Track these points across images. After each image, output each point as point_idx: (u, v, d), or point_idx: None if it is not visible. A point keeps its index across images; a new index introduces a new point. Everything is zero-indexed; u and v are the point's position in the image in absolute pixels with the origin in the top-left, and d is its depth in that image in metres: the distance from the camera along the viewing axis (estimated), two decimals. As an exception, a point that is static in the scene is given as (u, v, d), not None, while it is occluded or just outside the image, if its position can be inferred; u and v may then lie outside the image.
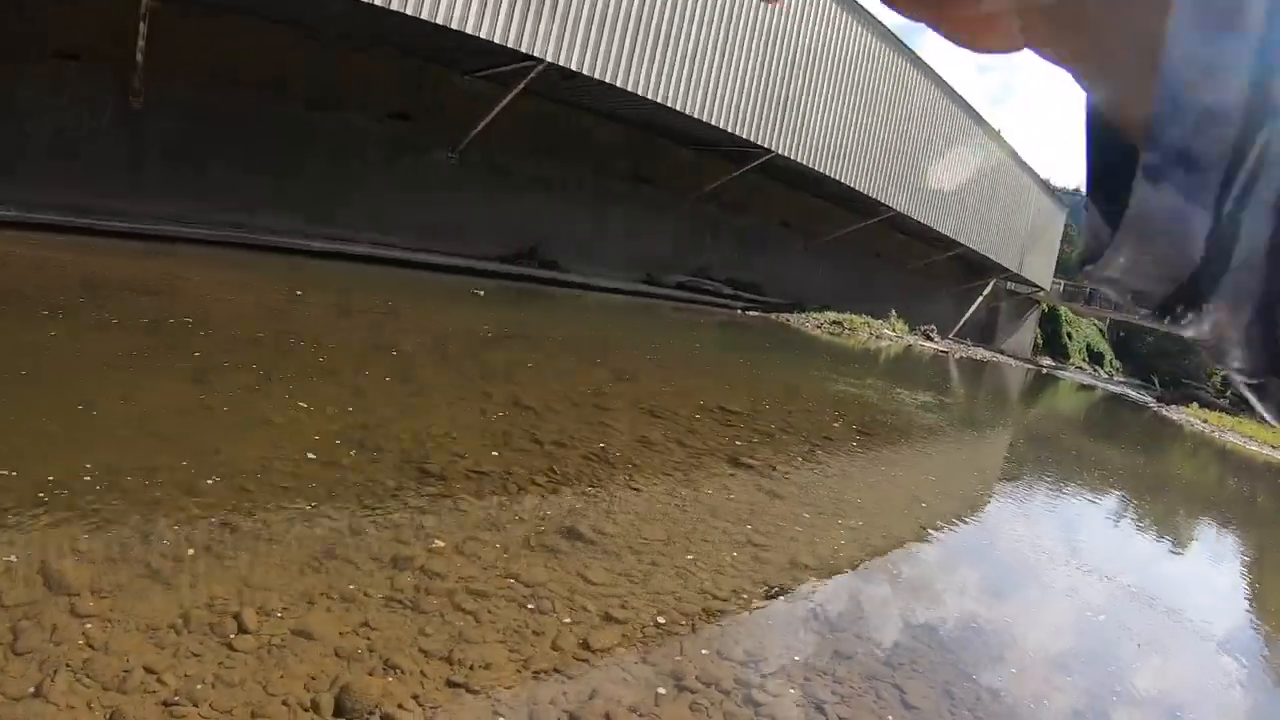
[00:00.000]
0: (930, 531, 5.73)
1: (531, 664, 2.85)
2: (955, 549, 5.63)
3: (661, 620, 3.37)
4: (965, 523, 6.38)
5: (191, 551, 3.19)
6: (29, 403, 4.37)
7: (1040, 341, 44.05)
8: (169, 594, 2.86)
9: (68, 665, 2.41)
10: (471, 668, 2.75)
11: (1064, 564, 5.87)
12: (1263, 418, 0.39)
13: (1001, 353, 34.79)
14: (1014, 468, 10.07)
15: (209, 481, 3.81)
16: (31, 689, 2.29)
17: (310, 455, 4.41)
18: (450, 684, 2.65)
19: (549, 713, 2.60)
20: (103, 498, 3.45)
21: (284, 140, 14.70)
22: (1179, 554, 7.76)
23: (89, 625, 2.61)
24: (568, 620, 3.20)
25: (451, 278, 14.54)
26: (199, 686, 2.42)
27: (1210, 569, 7.49)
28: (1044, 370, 34.17)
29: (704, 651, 3.21)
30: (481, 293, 13.25)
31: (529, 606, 3.25)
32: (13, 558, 2.87)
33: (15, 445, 3.78)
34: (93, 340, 5.90)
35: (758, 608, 3.73)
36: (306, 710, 2.41)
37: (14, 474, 3.47)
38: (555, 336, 10.72)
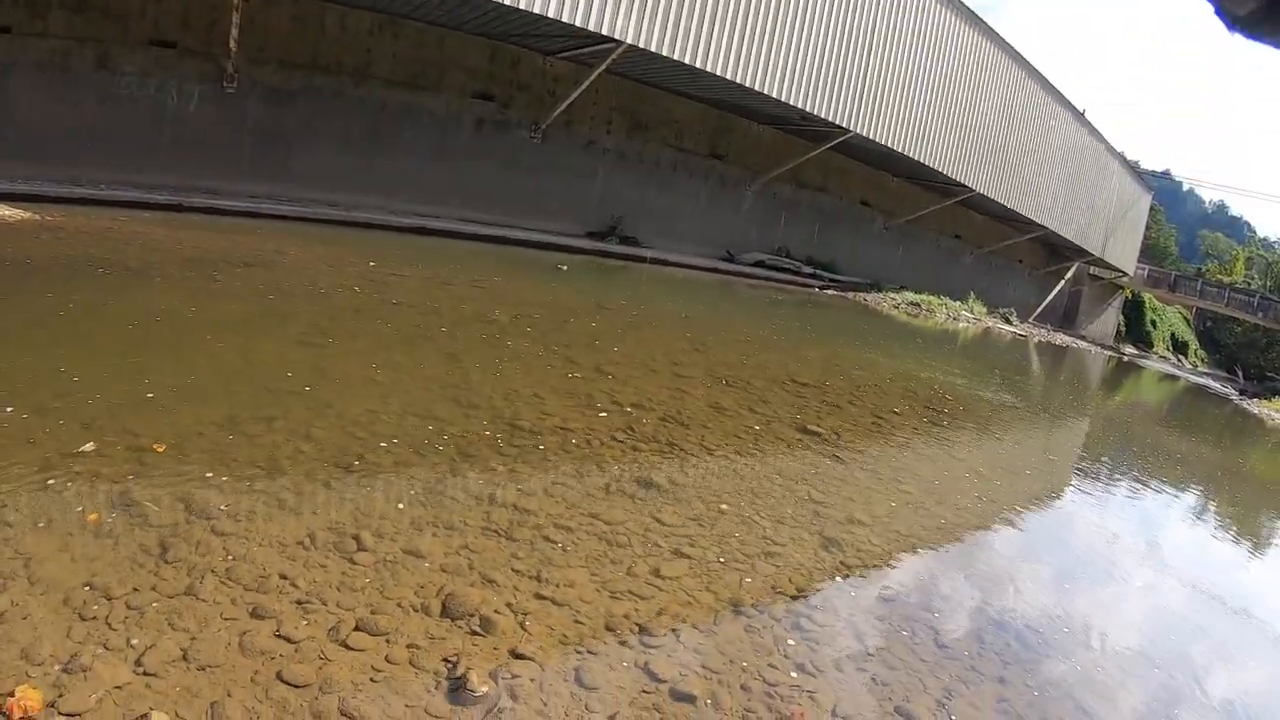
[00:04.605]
0: (983, 501, 5.93)
1: (609, 585, 3.23)
2: (1007, 518, 5.79)
3: (724, 558, 3.71)
4: (1021, 497, 6.52)
5: (311, 486, 3.64)
6: (154, 364, 4.91)
7: (1123, 328, 42.82)
8: (295, 519, 3.31)
9: (212, 571, 2.86)
10: (557, 585, 3.15)
11: (1119, 547, 5.97)
12: None
13: (1082, 338, 34.00)
14: (1081, 452, 10.06)
15: (322, 430, 4.27)
16: (184, 589, 2.73)
17: (411, 410, 4.85)
18: (538, 596, 3.05)
19: (623, 624, 2.97)
20: (228, 441, 3.93)
21: (370, 121, 15.29)
22: (1246, 553, 7.72)
23: (228, 542, 3.06)
24: (641, 552, 3.57)
25: (536, 252, 14.99)
26: (326, 590, 2.85)
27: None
28: (1125, 358, 33.31)
29: (760, 585, 3.54)
30: (565, 267, 13.67)
31: (608, 540, 3.63)
32: (155, 492, 3.33)
33: (145, 400, 4.30)
34: (205, 308, 6.45)
35: (812, 553, 4.03)
36: (417, 611, 2.83)
37: (147, 423, 3.97)
38: (635, 310, 11.04)
